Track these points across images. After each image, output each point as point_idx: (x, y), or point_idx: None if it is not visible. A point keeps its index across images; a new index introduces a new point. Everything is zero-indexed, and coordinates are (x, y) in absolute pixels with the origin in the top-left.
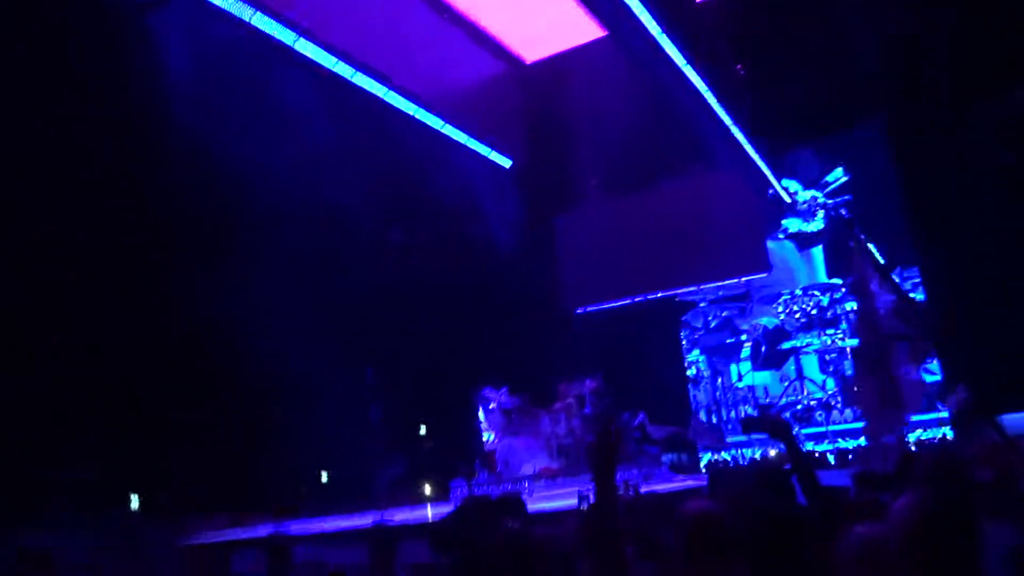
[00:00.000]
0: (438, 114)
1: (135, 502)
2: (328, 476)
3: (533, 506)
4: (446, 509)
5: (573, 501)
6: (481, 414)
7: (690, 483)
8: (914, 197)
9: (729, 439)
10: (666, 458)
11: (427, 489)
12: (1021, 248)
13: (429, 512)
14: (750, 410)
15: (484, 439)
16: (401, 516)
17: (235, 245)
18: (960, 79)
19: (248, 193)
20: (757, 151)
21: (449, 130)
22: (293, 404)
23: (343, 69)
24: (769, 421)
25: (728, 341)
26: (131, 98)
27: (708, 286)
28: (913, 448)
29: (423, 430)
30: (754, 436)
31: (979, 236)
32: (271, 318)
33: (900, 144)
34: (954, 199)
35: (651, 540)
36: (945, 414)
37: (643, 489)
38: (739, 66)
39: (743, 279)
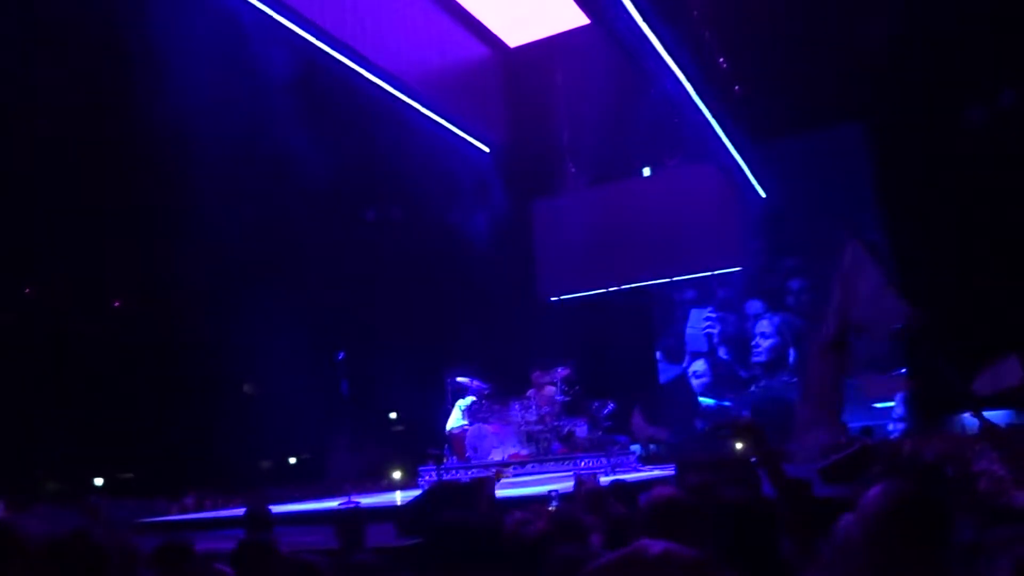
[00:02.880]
0: (418, 95)
1: (99, 481)
2: (297, 459)
3: (501, 492)
4: (414, 494)
5: (542, 489)
6: (463, 402)
7: (657, 473)
8: (890, 198)
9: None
10: (635, 448)
11: (396, 474)
12: (992, 250)
13: (398, 497)
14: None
15: (452, 425)
16: (369, 500)
17: (202, 222)
18: (943, 86)
19: (212, 167)
20: (736, 146)
21: (427, 111)
22: (262, 386)
23: (314, 40)
24: (732, 422)
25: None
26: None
27: (681, 279)
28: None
29: (393, 415)
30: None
31: (953, 239)
32: (240, 297)
33: (881, 146)
34: (930, 202)
35: (619, 529)
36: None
37: (611, 478)
38: (722, 60)
39: (716, 273)
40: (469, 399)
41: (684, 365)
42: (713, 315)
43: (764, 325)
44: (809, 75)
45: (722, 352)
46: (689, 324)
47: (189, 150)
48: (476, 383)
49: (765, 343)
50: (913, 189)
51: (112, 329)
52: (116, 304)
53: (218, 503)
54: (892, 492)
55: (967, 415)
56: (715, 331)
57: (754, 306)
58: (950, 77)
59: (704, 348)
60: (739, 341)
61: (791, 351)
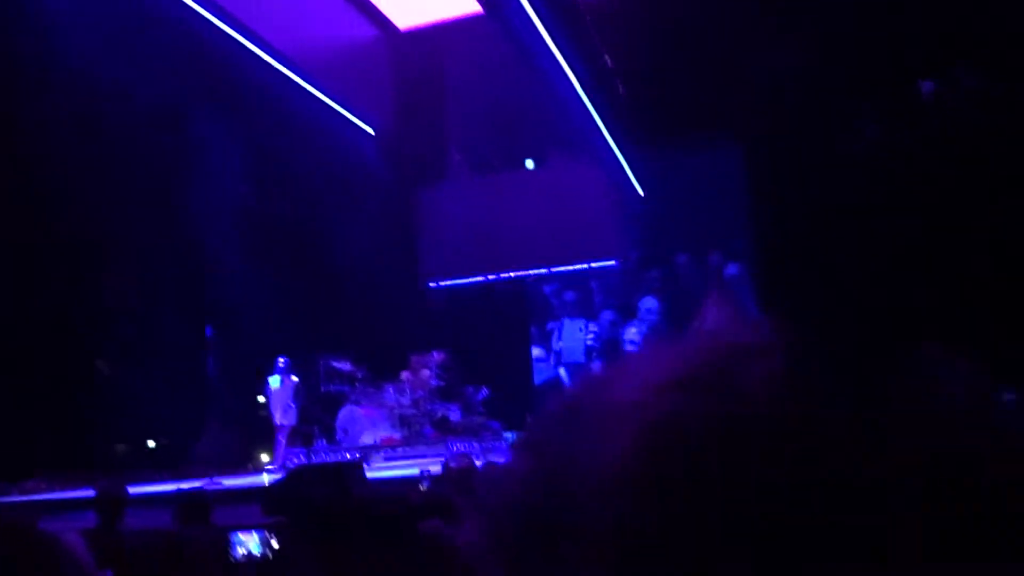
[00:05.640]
0: (303, 71)
1: None
2: (157, 442)
3: (372, 474)
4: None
5: (413, 471)
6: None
7: None
8: (760, 219)
9: None
10: (509, 435)
11: (264, 457)
12: (862, 273)
13: (265, 479)
14: None
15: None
16: (234, 482)
17: (59, 183)
18: (817, 112)
19: (71, 128)
20: (618, 144)
21: (313, 89)
22: (119, 363)
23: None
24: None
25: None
26: None
27: (558, 269)
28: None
29: (262, 398)
30: None
31: (817, 260)
32: (97, 267)
33: (753, 168)
34: (799, 223)
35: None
36: None
37: (482, 461)
38: (607, 58)
39: (592, 265)
40: (277, 377)
41: (557, 369)
42: (595, 328)
43: (632, 333)
44: (692, 88)
45: (596, 360)
46: (563, 335)
47: (46, 111)
48: (349, 366)
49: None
50: (782, 212)
51: None
52: None
53: (67, 487)
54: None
55: None
56: (596, 345)
57: (647, 301)
58: (824, 108)
59: (582, 360)
60: (615, 346)
61: None
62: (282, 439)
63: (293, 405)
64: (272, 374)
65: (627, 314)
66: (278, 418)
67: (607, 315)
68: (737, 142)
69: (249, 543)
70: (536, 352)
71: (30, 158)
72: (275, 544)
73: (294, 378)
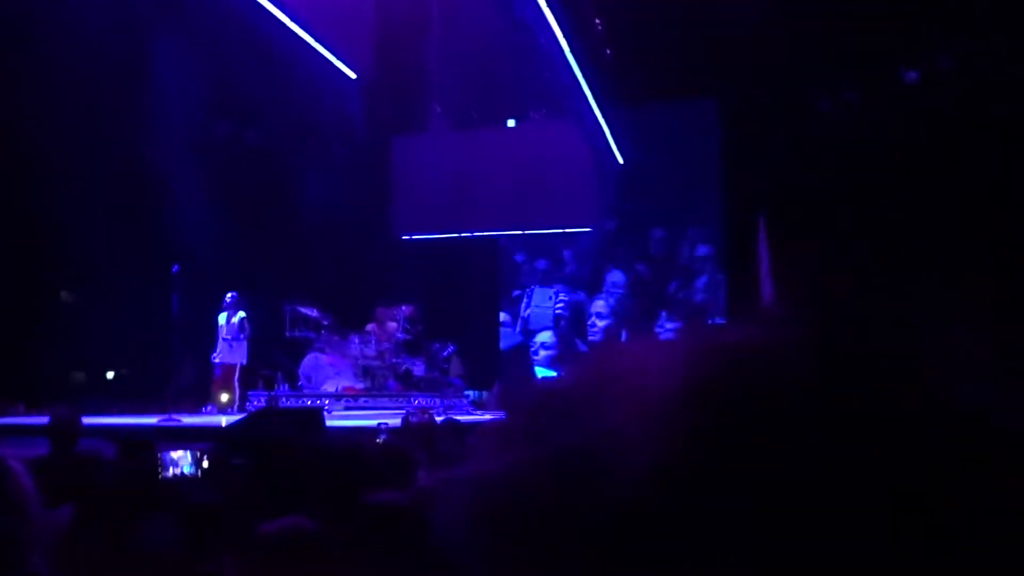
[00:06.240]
0: (286, 7)
1: None
2: (116, 374)
3: (331, 423)
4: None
5: (372, 423)
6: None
7: (488, 417)
8: (733, 176)
9: None
10: (470, 393)
11: (224, 397)
12: (834, 234)
13: (223, 420)
14: None
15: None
16: (192, 420)
17: (28, 113)
18: (794, 71)
19: (42, 61)
20: (601, 108)
21: (296, 27)
22: (82, 294)
23: None
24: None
25: None
26: None
27: (533, 233)
28: None
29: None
30: None
31: (784, 216)
32: (69, 192)
33: (729, 124)
34: (773, 183)
35: (446, 464)
36: None
37: (443, 417)
38: (598, 21)
39: (568, 231)
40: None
41: (524, 336)
42: (565, 298)
43: (599, 305)
44: (675, 47)
45: (566, 328)
46: (533, 303)
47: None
48: (315, 313)
49: (601, 323)
50: (757, 170)
51: None
52: None
53: (20, 413)
54: None
55: None
56: (565, 313)
57: (614, 275)
58: (802, 69)
59: (551, 326)
60: (581, 317)
61: (624, 333)
62: (221, 376)
63: (241, 343)
64: (221, 311)
65: (591, 288)
66: (224, 355)
67: (560, 288)
68: (721, 116)
69: (181, 462)
70: (502, 317)
71: None
72: (205, 464)
73: (242, 314)
